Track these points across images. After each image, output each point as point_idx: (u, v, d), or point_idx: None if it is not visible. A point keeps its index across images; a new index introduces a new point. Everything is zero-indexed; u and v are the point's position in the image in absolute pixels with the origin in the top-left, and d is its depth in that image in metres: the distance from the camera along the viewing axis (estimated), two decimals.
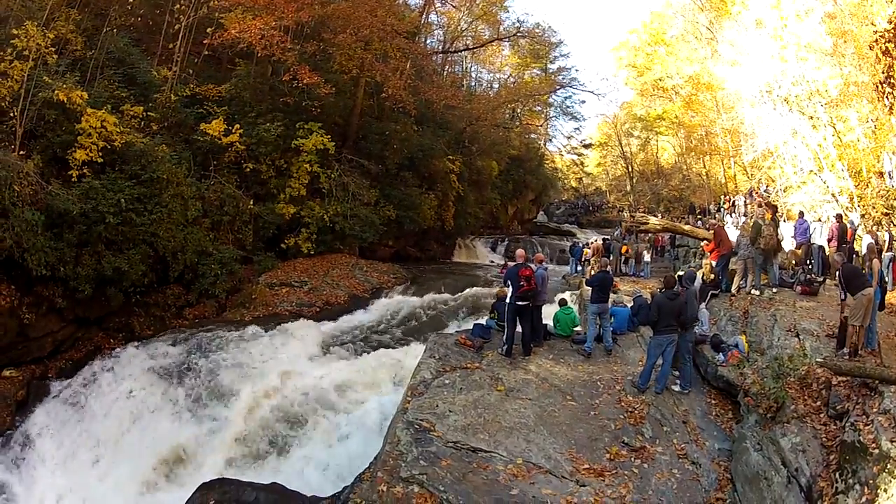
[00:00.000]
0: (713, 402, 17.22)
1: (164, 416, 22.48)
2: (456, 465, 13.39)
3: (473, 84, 74.90)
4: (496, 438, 14.61)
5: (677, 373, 18.31)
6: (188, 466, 20.29)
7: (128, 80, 34.63)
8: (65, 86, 27.88)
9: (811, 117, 34.91)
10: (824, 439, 12.81)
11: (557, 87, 66.56)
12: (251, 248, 35.67)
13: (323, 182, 40.16)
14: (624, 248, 39.62)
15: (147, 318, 28.83)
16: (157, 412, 22.65)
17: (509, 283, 19.61)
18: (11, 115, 26.63)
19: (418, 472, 13.07)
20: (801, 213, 29.69)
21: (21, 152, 26.08)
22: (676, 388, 17.76)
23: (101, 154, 27.70)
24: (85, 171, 27.10)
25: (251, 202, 36.26)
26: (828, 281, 24.56)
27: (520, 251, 20.81)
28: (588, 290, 23.19)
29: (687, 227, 42.44)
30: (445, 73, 65.01)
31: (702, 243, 35.80)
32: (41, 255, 24.08)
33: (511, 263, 22.70)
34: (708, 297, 23.51)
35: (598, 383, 18.04)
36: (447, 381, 17.51)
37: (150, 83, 36.13)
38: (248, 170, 37.25)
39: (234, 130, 36.23)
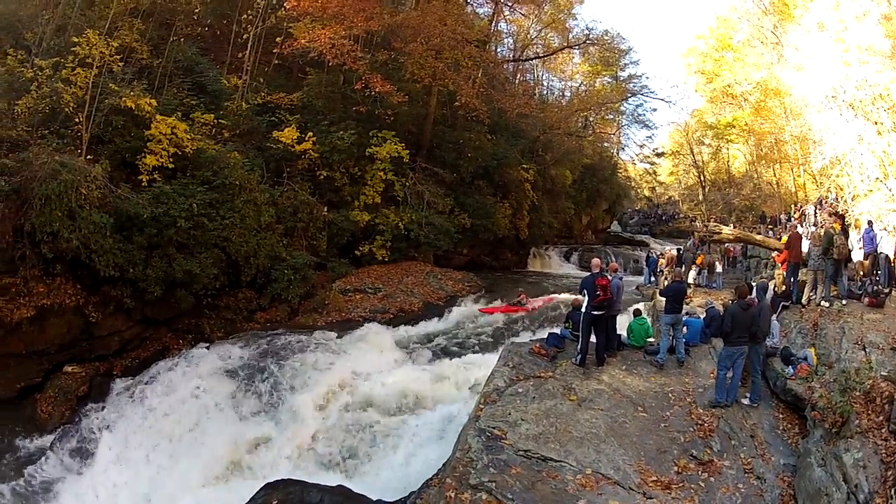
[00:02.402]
0: (781, 416, 16.46)
1: (230, 416, 21.99)
2: (525, 474, 12.78)
3: (546, 92, 72.72)
4: (567, 448, 13.99)
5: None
6: (253, 466, 19.77)
7: (197, 88, 34.15)
8: (132, 93, 27.67)
9: (875, 122, 32.87)
10: (884, 455, 12.40)
11: (628, 95, 63.81)
12: (325, 255, 34.49)
13: (398, 190, 38.88)
14: (699, 259, 37.09)
15: (217, 320, 28.16)
16: (224, 412, 22.17)
17: (585, 292, 18.71)
18: (77, 120, 26.50)
19: (487, 479, 12.47)
20: (870, 223, 27.45)
21: (88, 157, 25.79)
22: (746, 402, 16.90)
23: (171, 160, 27.41)
24: (155, 175, 26.91)
25: (325, 209, 35.14)
26: (894, 292, 23.24)
27: (595, 260, 19.97)
28: (662, 300, 22.48)
29: (759, 238, 40.17)
30: (517, 81, 62.76)
31: (773, 254, 34.10)
32: (109, 257, 23.91)
33: (585, 273, 22.40)
34: (780, 309, 22.44)
35: (670, 395, 17.33)
36: (520, 390, 16.75)
37: (220, 91, 35.64)
38: (321, 177, 36.16)
39: (307, 138, 35.31)
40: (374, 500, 15.08)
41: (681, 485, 13.18)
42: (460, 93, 41.67)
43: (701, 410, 16.30)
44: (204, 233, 26.79)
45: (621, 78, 68.30)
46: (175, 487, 19.32)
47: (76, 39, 27.74)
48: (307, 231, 33.68)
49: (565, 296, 33.25)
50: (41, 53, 29.10)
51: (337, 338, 26.72)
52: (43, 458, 20.67)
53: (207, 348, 25.83)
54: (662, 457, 14.12)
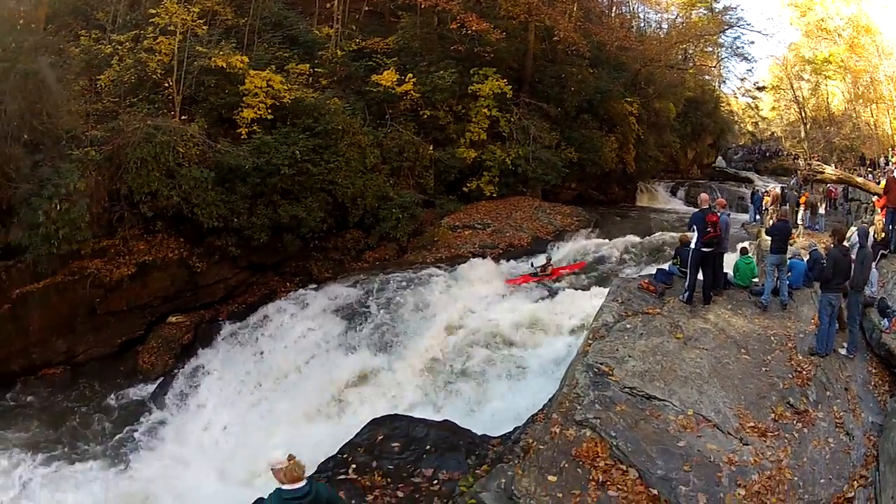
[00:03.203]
0: (873, 370, 14.85)
1: (338, 354, 21.18)
2: (629, 412, 11.98)
3: (643, 25, 67.61)
4: (671, 387, 12.97)
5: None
6: (360, 403, 19.03)
7: (289, 41, 33.31)
8: (221, 53, 27.50)
9: None
10: None
11: (725, 27, 58.21)
12: (433, 192, 32.78)
13: (503, 126, 36.02)
14: (802, 199, 33.38)
15: (325, 261, 27.68)
16: (332, 351, 21.35)
17: (694, 228, 17.09)
18: (167, 85, 26.64)
19: (592, 415, 11.79)
20: None
21: (183, 117, 25.96)
22: (843, 351, 15.14)
23: (270, 111, 26.94)
24: (255, 128, 26.54)
25: (431, 147, 33.15)
26: None
27: (704, 195, 18.37)
28: (767, 239, 20.51)
29: (860, 180, 35.91)
30: (613, 14, 59.38)
31: (873, 198, 30.10)
32: (212, 209, 23.89)
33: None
34: (878, 257, 19.51)
35: (772, 338, 15.64)
36: (628, 326, 15.56)
37: (312, 42, 34.49)
38: (425, 117, 34.12)
39: (406, 80, 33.21)
40: (480, 434, 14.05)
41: (776, 433, 12.07)
42: (557, 27, 38.52)
43: (800, 357, 14.71)
44: (309, 178, 26.25)
45: (716, 10, 62.93)
46: (282, 425, 18.67)
47: (154, 11, 27.68)
48: (414, 170, 32.12)
49: (664, 234, 30.47)
50: (117, 30, 29.27)
51: (445, 274, 25.57)
52: (146, 406, 20.62)
53: (315, 289, 25.12)
54: (761, 402, 12.95)
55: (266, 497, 7.79)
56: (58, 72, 23.83)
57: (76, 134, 23.51)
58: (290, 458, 7.43)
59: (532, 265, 26.58)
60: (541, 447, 11.25)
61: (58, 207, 20.92)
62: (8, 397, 21.14)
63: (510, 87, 35.68)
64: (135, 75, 26.95)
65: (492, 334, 20.75)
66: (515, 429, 13.98)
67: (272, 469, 7.44)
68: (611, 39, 43.99)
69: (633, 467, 10.66)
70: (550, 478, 10.53)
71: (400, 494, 11.80)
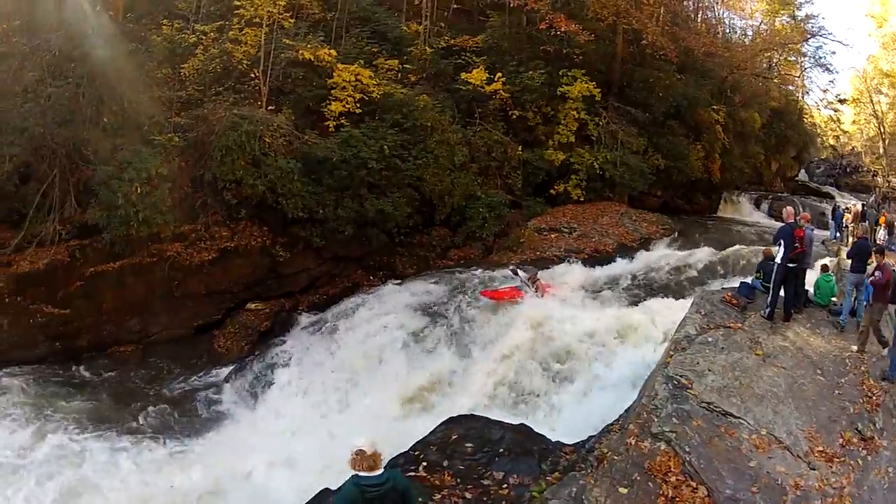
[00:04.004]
0: None
1: (417, 350, 20.46)
2: (705, 428, 11.44)
3: (728, 31, 64.81)
4: (747, 405, 12.36)
5: None
6: (438, 400, 18.42)
7: (377, 36, 32.38)
8: (308, 46, 27.14)
9: None
10: None
11: (808, 36, 55.55)
12: (520, 194, 31.16)
13: (591, 129, 33.86)
14: (882, 218, 31.91)
15: (410, 257, 26.90)
16: (411, 347, 20.62)
17: (781, 242, 16.33)
18: (253, 75, 26.51)
19: (669, 429, 11.21)
20: None
21: (270, 108, 25.57)
22: None
23: (358, 105, 26.40)
24: (343, 121, 25.93)
25: (519, 148, 31.60)
26: None
27: (789, 209, 17.75)
28: (846, 258, 19.78)
29: None
30: (699, 19, 56.94)
31: None
32: (298, 200, 23.43)
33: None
34: None
35: (847, 360, 14.87)
36: (710, 339, 14.89)
37: (401, 38, 33.50)
38: (514, 117, 32.66)
39: (496, 79, 31.64)
40: (554, 441, 13.52)
41: (842, 459, 11.43)
42: (645, 31, 36.86)
43: (872, 381, 13.94)
44: (396, 173, 25.72)
45: (798, 17, 59.91)
46: (355, 418, 18.02)
47: (238, 3, 27.43)
48: (502, 170, 30.73)
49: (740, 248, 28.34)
50: (200, 20, 29.05)
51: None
52: (220, 389, 20.31)
53: (399, 285, 24.36)
54: (831, 426, 12.29)
55: (341, 485, 7.64)
56: (139, 59, 24.20)
57: (159, 120, 23.47)
58: (371, 446, 7.27)
59: (517, 274, 22.97)
60: (615, 458, 10.91)
61: (138, 191, 20.90)
62: (73, 370, 20.98)
63: (599, 90, 34.00)
64: (220, 65, 26.70)
65: (571, 341, 19.61)
66: (590, 437, 13.40)
67: (353, 456, 7.25)
68: (697, 45, 42.04)
69: (703, 485, 10.23)
70: (622, 490, 10.15)
71: (468, 496, 11.44)
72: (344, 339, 21.42)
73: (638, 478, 10.21)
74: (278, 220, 23.97)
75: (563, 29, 32.63)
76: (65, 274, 21.35)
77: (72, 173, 22.12)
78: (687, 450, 10.72)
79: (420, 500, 8.99)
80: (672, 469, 10.37)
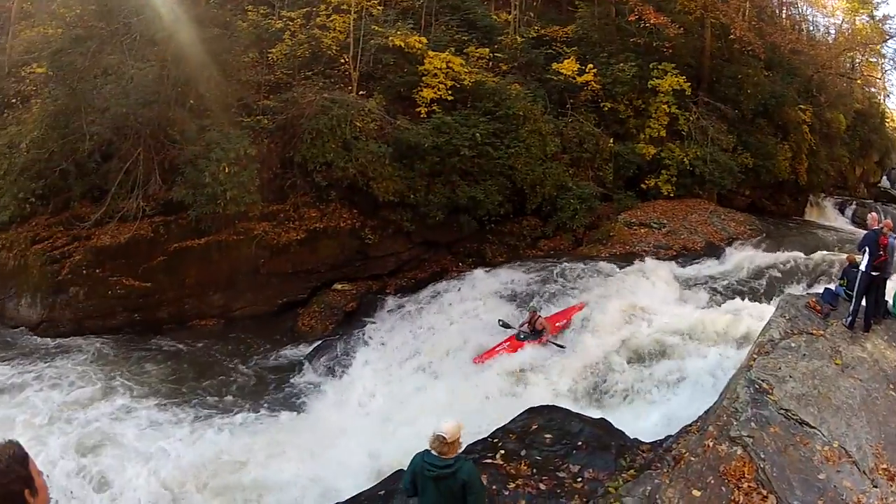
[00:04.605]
0: None
1: (504, 338, 19.52)
2: (782, 435, 10.77)
3: (811, 28, 62.06)
4: (823, 415, 11.61)
5: None
6: (520, 389, 17.51)
7: (466, 24, 31.51)
8: (398, 33, 26.91)
9: None
10: None
11: (887, 37, 52.96)
12: (611, 187, 29.98)
13: (682, 124, 32.60)
14: None
15: (500, 245, 26.25)
16: (499, 335, 19.68)
17: (866, 249, 15.28)
18: (343, 61, 26.45)
19: (746, 433, 10.69)
20: None
21: (361, 93, 25.48)
22: None
23: (450, 92, 25.89)
24: (434, 108, 25.51)
25: (611, 140, 30.35)
26: None
27: (873, 216, 17.17)
28: None
29: None
30: (784, 15, 55.09)
31: None
32: (389, 184, 23.33)
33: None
34: None
35: None
36: (792, 345, 14.21)
37: (491, 27, 32.56)
38: (605, 109, 31.23)
39: (587, 70, 30.36)
40: (632, 438, 13.01)
41: None
42: (733, 25, 35.56)
43: None
44: (488, 161, 25.20)
45: (877, 17, 57.21)
46: (436, 402, 17.19)
47: None
48: (593, 162, 29.53)
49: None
50: (286, 6, 29.31)
51: (619, 271, 23.68)
52: (301, 367, 19.97)
53: (487, 272, 23.94)
54: None
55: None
56: (224, 43, 24.08)
57: (247, 102, 23.97)
58: (454, 432, 7.42)
59: (507, 327, 19.63)
60: (692, 459, 10.69)
61: (226, 170, 21.01)
62: (151, 341, 21.21)
63: (689, 84, 32.62)
64: (308, 50, 26.70)
65: (655, 338, 18.88)
66: (667, 437, 12.92)
67: (435, 434, 7.41)
68: (783, 41, 40.59)
69: (773, 494, 9.81)
70: (695, 492, 9.96)
71: (542, 486, 11.10)
72: (430, 324, 21.19)
73: (712, 481, 10.02)
74: (369, 204, 23.76)
75: (651, 21, 31.68)
76: (147, 248, 21.81)
77: (156, 152, 22.34)
78: (762, 456, 10.32)
79: (481, 491, 8.24)
80: (746, 475, 10.02)
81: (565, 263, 23.87)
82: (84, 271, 21.72)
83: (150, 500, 13.74)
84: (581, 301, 20.99)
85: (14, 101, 28.52)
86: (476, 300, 21.89)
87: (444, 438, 7.34)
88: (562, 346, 18.45)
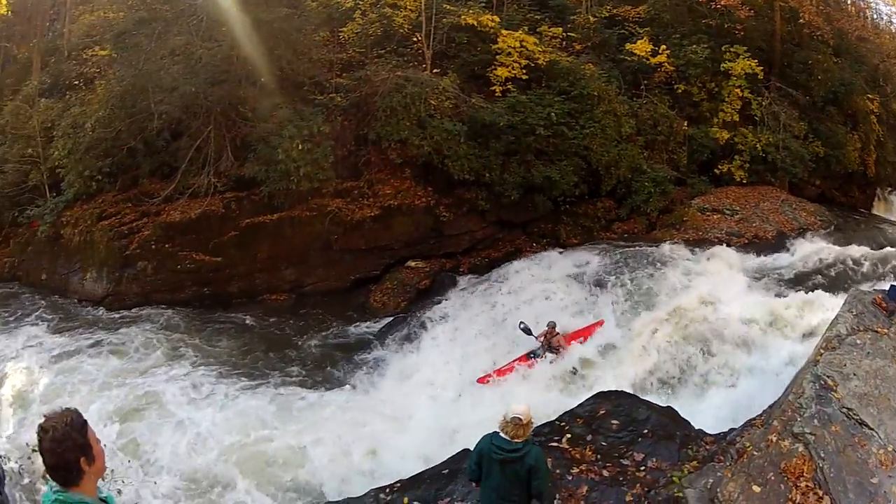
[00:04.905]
0: None
1: (575, 321, 19.68)
2: (842, 435, 10.14)
3: (875, 16, 60.29)
4: (881, 417, 10.80)
5: None
6: (589, 372, 17.82)
7: (538, 4, 31.05)
8: (470, 11, 26.61)
9: None
10: None
11: None
12: (685, 171, 29.19)
13: (754, 109, 31.76)
14: None
15: (574, 227, 25.78)
16: (570, 318, 19.80)
17: None
18: (415, 39, 26.47)
19: (809, 430, 10.08)
20: None
21: (435, 71, 25.40)
22: None
23: (524, 71, 25.44)
24: (509, 86, 25.09)
25: (685, 123, 29.70)
26: None
27: None
28: None
29: None
30: (850, 1, 52.48)
31: None
32: (464, 162, 23.08)
33: None
34: None
35: None
36: (858, 342, 13.32)
37: (563, 6, 32.07)
38: (679, 91, 30.55)
39: (660, 51, 29.85)
40: (697, 428, 12.87)
41: None
42: (801, 9, 34.42)
43: None
44: (564, 141, 24.64)
45: None
46: (506, 384, 17.36)
47: None
48: (667, 145, 28.97)
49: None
50: None
51: (691, 257, 23.37)
52: (372, 343, 20.04)
53: (561, 253, 23.82)
54: None
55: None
56: (294, 22, 24.10)
57: (319, 80, 24.01)
58: (527, 416, 7.44)
59: (529, 333, 18.07)
60: (755, 453, 10.38)
61: (299, 147, 21.25)
62: (219, 314, 21.77)
63: (760, 68, 31.76)
64: (380, 29, 26.65)
65: (722, 327, 18.71)
66: (731, 429, 12.66)
67: (504, 418, 7.45)
68: (850, 28, 39.58)
69: (828, 495, 9.45)
70: (755, 488, 9.72)
71: (605, 473, 11.06)
72: (503, 303, 20.97)
73: (772, 478, 9.73)
74: (443, 182, 23.66)
75: (722, 2, 30.89)
76: (219, 224, 22.31)
77: (227, 129, 22.83)
78: (822, 455, 9.87)
79: (547, 475, 8.21)
80: (804, 474, 9.67)
81: (638, 247, 23.47)
82: (153, 246, 22.27)
83: (184, 468, 13.95)
84: (601, 319, 20.09)
85: (76, 82, 29.22)
86: (549, 281, 21.59)
87: (520, 420, 7.34)
88: (574, 371, 17.42)
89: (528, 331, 18.01)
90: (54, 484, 3.67)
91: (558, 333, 18.02)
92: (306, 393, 17.10)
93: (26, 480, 10.95)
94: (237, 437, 14.89)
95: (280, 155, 21.03)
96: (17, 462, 11.32)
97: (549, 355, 17.61)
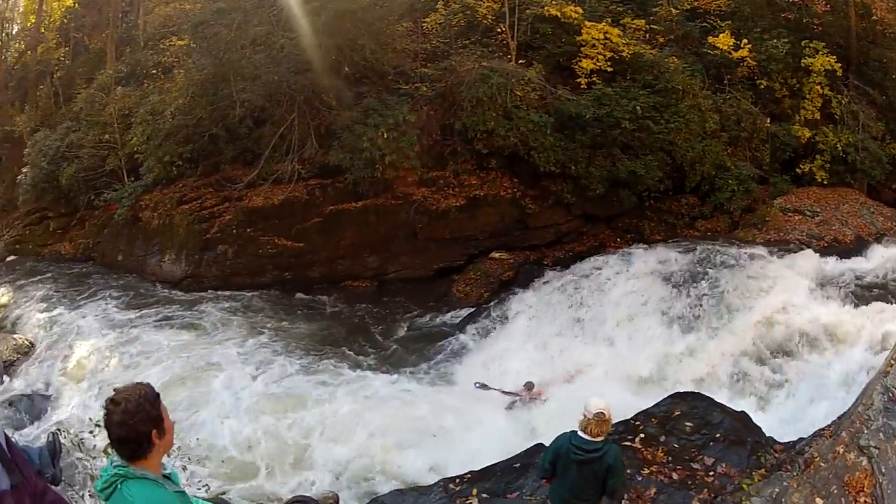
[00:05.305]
0: None
1: (655, 320, 19.64)
2: None
3: None
4: None
5: None
6: (668, 373, 17.80)
7: None
8: (554, 2, 26.09)
9: None
10: None
11: None
12: (767, 169, 28.36)
13: (834, 107, 30.81)
14: None
15: (658, 223, 25.44)
16: (650, 315, 19.83)
17: None
18: (499, 30, 26.13)
19: (874, 444, 9.48)
20: None
21: (520, 62, 24.93)
22: None
23: (609, 64, 24.94)
24: (594, 79, 24.57)
25: (768, 120, 28.90)
26: None
27: None
28: None
29: None
30: None
31: None
32: (550, 154, 22.79)
33: None
34: None
35: None
36: None
37: None
38: (761, 87, 29.76)
39: (742, 45, 29.07)
40: (767, 436, 12.71)
41: None
42: (873, 4, 33.90)
43: None
44: (649, 135, 24.15)
45: None
46: (584, 379, 17.43)
47: None
48: (750, 142, 27.95)
49: None
50: None
51: (772, 260, 22.69)
52: (453, 332, 20.30)
53: (644, 250, 23.25)
54: None
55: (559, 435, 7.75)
56: (377, 12, 24.21)
57: (403, 70, 23.97)
58: (600, 413, 7.28)
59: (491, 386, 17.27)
60: (822, 464, 10.00)
61: (384, 135, 21.39)
62: (299, 299, 22.33)
63: (839, 65, 30.84)
64: (463, 20, 26.47)
65: (795, 333, 18.56)
66: (801, 439, 12.20)
67: (585, 414, 7.32)
68: None
69: None
70: (819, 500, 9.38)
71: (674, 476, 11.04)
72: (584, 299, 20.81)
73: (835, 490, 9.32)
74: (529, 173, 23.48)
75: None
76: (302, 210, 22.78)
77: (311, 117, 23.17)
78: (883, 471, 9.35)
79: (622, 474, 8.24)
80: (865, 489, 9.19)
81: (721, 246, 22.96)
82: (234, 230, 23.04)
83: (224, 442, 14.41)
84: (580, 368, 18.56)
85: (154, 71, 30.03)
86: (632, 278, 21.32)
87: (603, 415, 7.22)
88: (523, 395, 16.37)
89: (484, 387, 16.90)
90: (116, 458, 3.67)
91: (533, 389, 16.59)
92: (380, 378, 17.26)
93: (79, 455, 11.04)
94: (301, 416, 15.28)
95: (365, 143, 21.28)
96: (76, 436, 11.34)
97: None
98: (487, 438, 14.72)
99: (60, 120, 31.89)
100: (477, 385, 17.08)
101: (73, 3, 39.65)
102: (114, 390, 3.64)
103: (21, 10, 42.89)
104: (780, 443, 12.40)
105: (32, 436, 14.86)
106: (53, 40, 38.93)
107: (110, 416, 3.51)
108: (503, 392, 16.74)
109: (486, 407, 16.38)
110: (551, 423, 13.12)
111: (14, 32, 43.38)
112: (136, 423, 3.49)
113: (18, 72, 40.10)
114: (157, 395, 3.66)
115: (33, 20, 39.31)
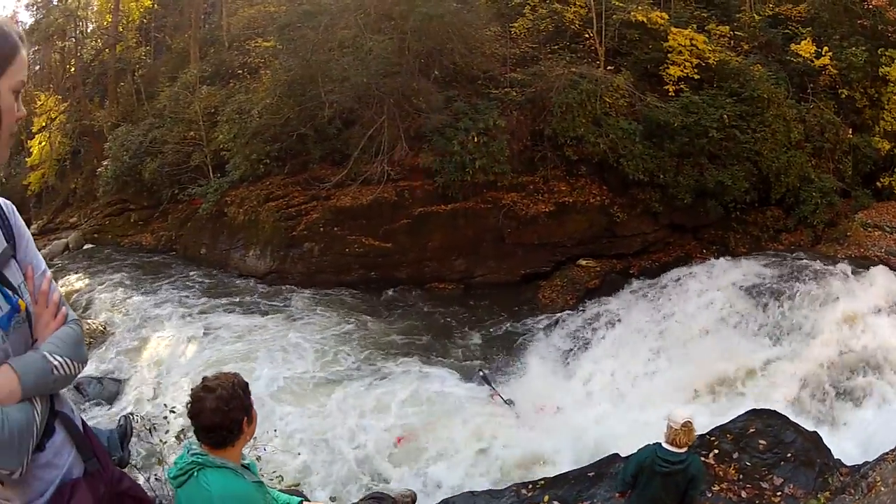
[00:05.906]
0: None
1: (739, 333, 19.48)
2: None
3: None
4: None
5: None
6: (746, 388, 17.53)
7: (704, 0, 30.25)
8: (640, 8, 25.98)
9: None
10: None
11: None
12: (850, 182, 27.69)
13: None
14: None
15: (743, 235, 24.98)
16: (735, 328, 19.64)
17: None
18: (587, 35, 26.21)
19: None
20: None
21: (608, 68, 24.83)
22: None
23: (696, 71, 24.76)
24: (682, 86, 24.44)
25: (850, 131, 28.28)
26: None
27: None
28: None
29: None
30: None
31: None
32: (638, 162, 22.79)
33: None
34: None
35: None
36: None
37: (727, 3, 30.75)
38: (843, 96, 28.96)
39: (823, 53, 28.47)
40: (836, 458, 12.44)
41: None
42: None
43: None
44: (736, 145, 23.84)
45: None
46: (665, 390, 17.29)
47: None
48: (833, 154, 27.42)
49: None
50: None
51: (852, 277, 21.93)
52: (537, 339, 20.09)
53: (730, 261, 22.85)
54: None
55: (641, 448, 7.74)
56: (465, 17, 24.18)
57: (493, 75, 24.05)
58: (688, 423, 7.25)
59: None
60: (882, 489, 10.07)
61: (475, 139, 21.73)
62: (386, 299, 22.53)
63: None
64: (551, 25, 26.24)
65: (869, 354, 18.26)
66: (865, 462, 12.30)
67: (672, 425, 7.24)
68: None
69: None
70: None
71: (743, 494, 11.04)
72: (669, 309, 20.71)
73: None
74: (618, 181, 23.41)
75: (874, 2, 30.16)
76: (391, 211, 22.93)
77: (401, 120, 23.22)
78: None
79: (702, 484, 8.52)
80: None
81: (804, 261, 22.73)
82: (321, 228, 23.28)
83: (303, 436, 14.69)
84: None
85: (240, 71, 30.26)
86: (717, 290, 21.15)
87: (690, 424, 7.23)
88: (510, 402, 16.41)
89: (486, 380, 17.27)
90: (194, 446, 3.70)
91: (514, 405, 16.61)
92: (458, 380, 17.41)
93: (154, 440, 10.99)
94: (385, 416, 15.57)
95: (455, 147, 21.50)
96: (148, 420, 11.41)
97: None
98: (562, 444, 14.81)
99: (142, 116, 32.62)
100: (480, 374, 17.53)
101: (153, 3, 40.44)
102: (204, 377, 3.70)
103: (95, 8, 43.68)
104: (846, 466, 12.34)
105: (99, 418, 15.22)
106: (133, 39, 39.70)
107: (202, 402, 3.55)
108: (495, 393, 16.86)
109: (563, 414, 16.50)
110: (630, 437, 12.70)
111: (89, 31, 44.42)
112: (231, 410, 3.55)
113: (97, 68, 40.95)
114: (247, 383, 3.73)
115: (109, 19, 39.90)
